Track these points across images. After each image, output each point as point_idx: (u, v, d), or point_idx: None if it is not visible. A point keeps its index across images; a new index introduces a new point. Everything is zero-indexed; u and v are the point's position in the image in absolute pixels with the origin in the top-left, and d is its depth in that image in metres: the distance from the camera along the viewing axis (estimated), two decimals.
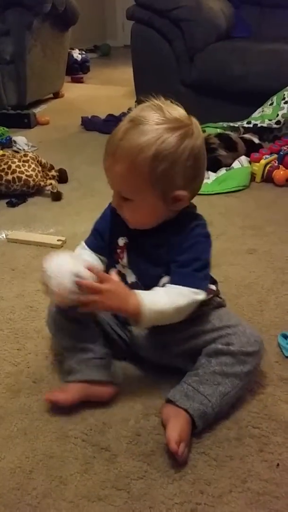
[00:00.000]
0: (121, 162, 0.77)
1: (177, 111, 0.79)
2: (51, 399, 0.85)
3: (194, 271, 0.82)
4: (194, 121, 0.80)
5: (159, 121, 0.76)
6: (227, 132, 2.11)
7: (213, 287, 0.92)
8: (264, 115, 2.17)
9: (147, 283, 0.85)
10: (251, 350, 0.84)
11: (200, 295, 0.81)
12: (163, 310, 0.79)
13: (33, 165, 1.76)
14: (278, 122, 2.14)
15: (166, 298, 0.79)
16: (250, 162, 1.94)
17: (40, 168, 1.79)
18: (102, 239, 0.92)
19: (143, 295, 0.79)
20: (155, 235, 0.84)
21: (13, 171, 1.71)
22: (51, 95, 3.46)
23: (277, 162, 1.93)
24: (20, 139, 2.30)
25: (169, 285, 0.82)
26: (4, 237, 1.50)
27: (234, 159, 1.94)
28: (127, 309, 0.78)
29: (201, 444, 0.79)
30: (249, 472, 0.75)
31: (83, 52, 4.52)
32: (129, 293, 0.79)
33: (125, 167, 0.77)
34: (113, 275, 0.80)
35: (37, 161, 1.80)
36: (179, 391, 0.83)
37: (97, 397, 0.86)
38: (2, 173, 1.71)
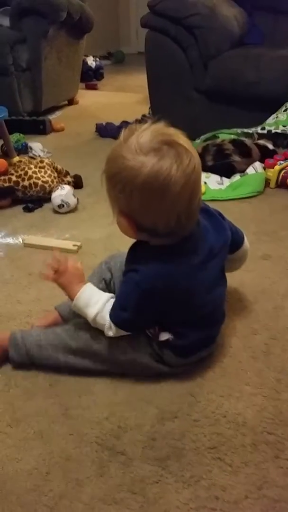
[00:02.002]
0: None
1: (155, 142, 0.75)
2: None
3: (114, 306, 0.88)
4: (163, 155, 0.74)
5: (125, 147, 0.77)
6: (241, 138, 2.11)
7: (165, 336, 0.92)
8: (278, 121, 2.17)
9: None
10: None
11: (110, 331, 0.89)
12: (87, 314, 0.90)
13: (49, 171, 1.78)
14: None
15: (97, 309, 0.89)
16: (264, 168, 1.94)
17: (56, 174, 1.82)
18: None
19: (85, 293, 0.91)
20: (132, 246, 0.92)
21: (30, 177, 1.73)
22: (66, 102, 3.50)
23: None
24: (36, 145, 2.33)
25: (113, 299, 0.90)
26: (21, 241, 1.52)
27: (248, 165, 1.94)
28: (69, 294, 0.93)
29: (216, 450, 0.80)
30: (265, 478, 0.75)
31: (97, 59, 4.56)
32: (78, 282, 0.92)
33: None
34: (78, 264, 0.94)
35: (53, 167, 1.82)
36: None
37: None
38: (19, 179, 1.73)
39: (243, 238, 1.05)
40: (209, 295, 0.90)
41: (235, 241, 1.00)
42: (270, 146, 2.08)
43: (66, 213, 1.72)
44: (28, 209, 1.74)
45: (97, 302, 0.89)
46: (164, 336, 0.91)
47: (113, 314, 0.87)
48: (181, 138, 0.78)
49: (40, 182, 1.74)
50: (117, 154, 0.77)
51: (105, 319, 0.88)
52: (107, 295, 0.91)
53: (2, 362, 0.97)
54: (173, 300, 0.84)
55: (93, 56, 4.55)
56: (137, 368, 0.93)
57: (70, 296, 0.93)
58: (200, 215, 0.84)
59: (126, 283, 0.86)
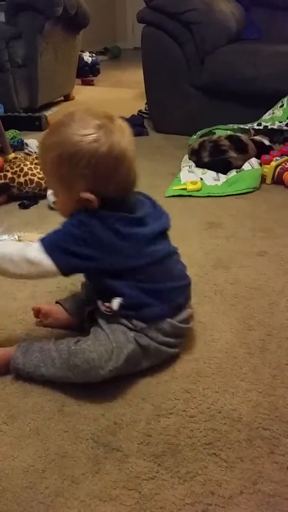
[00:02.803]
0: (40, 159, 0.90)
1: (96, 119, 0.84)
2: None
3: (49, 233, 0.88)
4: (110, 129, 0.83)
5: (74, 127, 0.83)
6: (237, 134, 2.11)
7: (115, 302, 0.90)
8: (274, 117, 2.17)
9: None
10: (79, 363, 0.86)
11: (32, 251, 0.85)
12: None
13: None
14: None
15: (13, 247, 0.89)
16: (260, 164, 1.94)
17: None
18: None
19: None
20: None
21: (25, 174, 1.73)
22: (62, 98, 3.49)
23: (287, 164, 1.92)
24: (32, 142, 2.32)
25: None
26: (17, 238, 1.51)
27: (244, 161, 1.94)
28: None
29: (211, 446, 0.80)
30: (260, 474, 0.75)
31: (94, 55, 4.54)
32: None
33: (41, 164, 0.93)
34: None
35: None
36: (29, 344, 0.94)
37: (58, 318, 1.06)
38: (15, 176, 1.73)
39: None
40: (147, 248, 0.90)
41: None
42: (267, 142, 2.08)
43: None
44: (23, 206, 1.74)
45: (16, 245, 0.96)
46: (115, 302, 0.89)
47: (45, 238, 0.87)
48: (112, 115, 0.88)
49: (35, 179, 1.74)
50: (68, 135, 0.83)
51: (28, 250, 0.86)
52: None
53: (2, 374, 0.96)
54: (106, 240, 0.86)
55: (89, 52, 4.53)
56: (132, 361, 0.90)
57: None
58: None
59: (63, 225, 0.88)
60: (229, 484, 0.74)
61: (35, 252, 0.85)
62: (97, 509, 0.70)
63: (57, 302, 1.10)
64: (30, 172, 1.73)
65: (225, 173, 1.93)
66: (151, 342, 0.92)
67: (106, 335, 0.89)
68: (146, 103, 2.86)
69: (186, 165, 2.02)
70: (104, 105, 3.36)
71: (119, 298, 0.89)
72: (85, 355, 0.86)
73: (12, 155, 2.02)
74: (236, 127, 2.24)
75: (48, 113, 3.08)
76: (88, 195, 0.84)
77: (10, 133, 2.34)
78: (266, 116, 2.23)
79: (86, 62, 4.37)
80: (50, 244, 0.85)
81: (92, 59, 4.45)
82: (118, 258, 0.87)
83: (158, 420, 0.85)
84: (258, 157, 1.97)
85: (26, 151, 2.28)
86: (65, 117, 0.86)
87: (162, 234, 0.95)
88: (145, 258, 0.90)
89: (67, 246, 0.85)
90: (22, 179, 1.73)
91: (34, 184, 1.74)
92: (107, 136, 0.82)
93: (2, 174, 1.74)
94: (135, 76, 3.96)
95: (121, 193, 0.88)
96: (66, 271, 0.87)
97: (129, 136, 0.87)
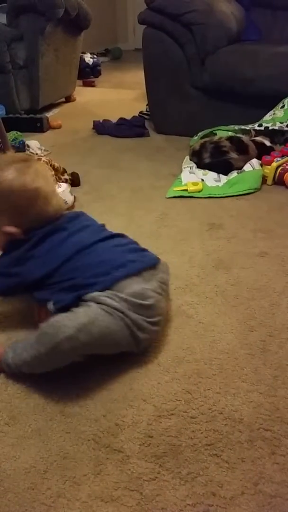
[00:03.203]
0: None
1: (14, 163, 1.02)
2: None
3: None
4: (23, 171, 1.00)
5: None
6: (238, 135, 2.11)
7: (50, 305, 0.99)
8: (275, 118, 2.17)
9: None
10: (46, 329, 0.87)
11: None
12: None
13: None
14: None
15: None
16: (261, 165, 1.94)
17: (53, 172, 1.81)
18: None
19: None
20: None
21: None
22: (63, 99, 3.49)
23: None
24: (33, 143, 2.33)
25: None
26: None
27: (245, 162, 1.94)
28: None
29: (213, 447, 0.80)
30: (261, 474, 0.75)
31: (95, 56, 4.55)
32: None
33: None
34: None
35: (50, 165, 1.82)
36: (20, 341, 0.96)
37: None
38: None
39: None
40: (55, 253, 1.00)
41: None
42: (267, 143, 2.08)
43: None
44: None
45: None
46: (50, 306, 0.97)
47: None
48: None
49: None
50: None
51: None
52: None
53: None
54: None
55: (90, 53, 4.54)
56: (98, 324, 0.89)
57: None
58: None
59: None
60: (231, 485, 0.74)
61: None
62: (99, 510, 0.71)
63: None
64: None
65: (226, 174, 1.93)
66: (113, 303, 0.90)
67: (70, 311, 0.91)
68: (147, 104, 2.86)
69: (187, 166, 2.02)
70: (105, 106, 3.37)
71: (50, 302, 0.98)
72: (50, 322, 0.87)
73: None
74: (237, 128, 2.24)
75: (49, 114, 3.09)
76: (9, 229, 1.00)
77: (12, 135, 2.34)
78: (267, 117, 2.23)
79: (87, 63, 4.38)
80: None
81: (93, 61, 4.46)
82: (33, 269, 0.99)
83: (160, 421, 0.85)
84: (259, 158, 1.97)
85: (27, 152, 2.28)
86: None
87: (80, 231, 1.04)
88: (54, 262, 0.98)
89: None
90: None
91: None
92: (20, 177, 0.98)
93: None
94: (136, 77, 3.97)
95: (42, 223, 1.02)
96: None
97: (44, 176, 1.03)
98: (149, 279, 0.99)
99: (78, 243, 1.00)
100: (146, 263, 1.01)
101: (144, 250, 1.07)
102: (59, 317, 0.87)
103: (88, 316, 0.87)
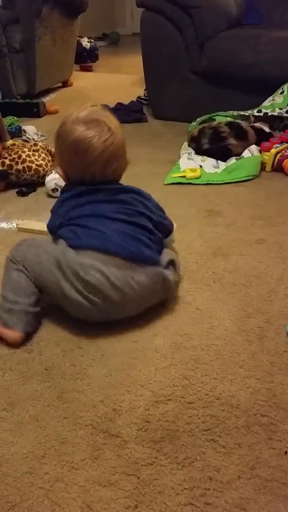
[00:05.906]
0: None
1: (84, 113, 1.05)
2: None
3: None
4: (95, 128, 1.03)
5: (71, 117, 1.05)
6: (237, 120, 2.09)
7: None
8: (274, 104, 2.15)
9: None
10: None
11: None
12: None
13: (43, 155, 1.76)
14: None
15: None
16: (260, 151, 1.93)
17: (50, 158, 1.80)
18: None
19: None
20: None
21: (23, 161, 1.72)
22: (60, 84, 3.45)
23: (287, 151, 1.91)
24: (30, 129, 2.30)
25: None
26: (15, 226, 1.51)
27: (244, 148, 1.92)
28: None
29: (210, 432, 0.80)
30: (257, 459, 0.76)
31: (92, 40, 4.49)
32: None
33: None
34: None
35: (47, 151, 1.80)
36: None
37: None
38: (13, 163, 1.71)
39: (170, 232, 1.18)
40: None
41: (162, 230, 1.11)
42: (266, 129, 2.06)
43: None
44: (21, 193, 1.73)
45: None
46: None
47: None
48: (109, 119, 1.06)
49: (34, 166, 1.73)
50: (62, 122, 1.06)
51: None
52: None
53: None
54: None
55: (88, 37, 4.47)
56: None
57: None
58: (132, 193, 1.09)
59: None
60: (227, 470, 0.74)
61: None
62: (96, 494, 0.71)
63: None
64: (28, 159, 1.72)
65: (224, 160, 1.92)
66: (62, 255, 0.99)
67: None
68: (145, 89, 2.83)
69: (186, 152, 2.00)
70: (102, 91, 3.33)
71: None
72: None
73: (10, 142, 2.00)
74: (236, 114, 2.22)
75: (46, 99, 3.05)
76: (58, 170, 1.11)
77: (8, 120, 2.32)
78: (266, 102, 2.21)
79: (85, 47, 4.31)
80: None
81: (90, 45, 4.40)
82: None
83: (157, 406, 0.85)
84: (258, 144, 1.95)
85: (24, 137, 2.26)
86: (77, 109, 1.07)
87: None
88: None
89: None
90: (20, 166, 1.71)
91: (32, 171, 1.73)
92: (82, 132, 1.02)
93: (0, 161, 1.72)
94: (134, 62, 3.92)
95: (87, 181, 1.05)
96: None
97: (108, 140, 1.03)
98: (120, 268, 0.97)
99: (96, 211, 1.05)
100: (127, 253, 0.98)
101: (148, 246, 1.03)
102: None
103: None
